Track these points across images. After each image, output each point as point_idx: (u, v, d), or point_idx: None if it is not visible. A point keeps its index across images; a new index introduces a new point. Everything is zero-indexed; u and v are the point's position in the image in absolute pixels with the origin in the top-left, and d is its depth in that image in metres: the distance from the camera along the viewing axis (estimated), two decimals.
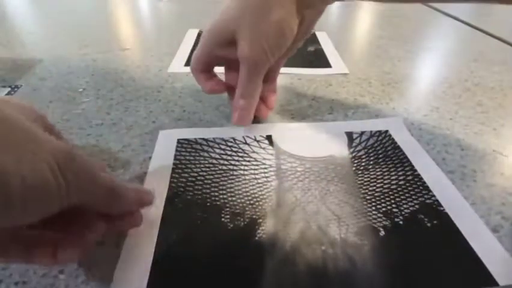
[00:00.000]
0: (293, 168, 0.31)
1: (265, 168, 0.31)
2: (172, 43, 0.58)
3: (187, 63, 0.51)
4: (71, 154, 0.17)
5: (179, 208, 0.26)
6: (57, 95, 0.42)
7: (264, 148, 0.33)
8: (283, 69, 0.50)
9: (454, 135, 0.36)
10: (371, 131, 0.36)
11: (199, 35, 0.62)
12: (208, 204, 0.27)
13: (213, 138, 0.34)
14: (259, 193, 0.28)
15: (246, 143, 0.34)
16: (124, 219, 0.22)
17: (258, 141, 0.34)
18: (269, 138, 0.34)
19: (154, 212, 0.26)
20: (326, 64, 0.52)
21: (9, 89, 0.42)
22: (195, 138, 0.34)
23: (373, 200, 0.28)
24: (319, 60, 0.54)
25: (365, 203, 0.27)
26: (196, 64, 0.34)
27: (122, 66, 0.50)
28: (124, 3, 0.84)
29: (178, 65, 0.50)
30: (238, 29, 0.30)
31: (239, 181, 0.29)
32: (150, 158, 0.32)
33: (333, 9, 0.86)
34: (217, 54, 0.33)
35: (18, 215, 0.15)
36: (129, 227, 0.23)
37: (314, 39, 0.62)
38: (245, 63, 0.31)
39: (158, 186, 0.28)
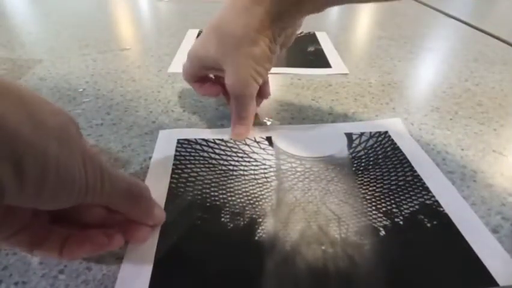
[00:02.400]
0: (293, 169, 0.31)
1: (265, 168, 0.31)
2: (172, 43, 0.58)
3: None
4: (96, 157, 0.18)
5: (180, 208, 0.26)
6: (57, 95, 0.42)
7: (263, 149, 0.33)
8: (283, 69, 0.50)
9: (454, 135, 0.36)
10: (370, 132, 0.36)
11: (199, 34, 0.62)
12: (208, 204, 0.27)
13: (213, 139, 0.34)
14: (259, 193, 0.28)
15: (245, 144, 0.34)
16: (136, 229, 0.23)
17: (257, 142, 0.34)
18: (269, 139, 0.34)
19: None
20: (326, 64, 0.52)
21: None
22: (195, 139, 0.34)
23: (373, 200, 0.28)
24: (319, 60, 0.54)
25: (365, 203, 0.27)
26: (185, 76, 0.36)
27: (122, 66, 0.50)
28: (124, 3, 0.84)
29: (178, 65, 0.50)
30: (222, 59, 0.30)
31: (239, 181, 0.29)
32: (150, 158, 0.32)
33: (333, 9, 0.86)
34: (204, 73, 0.34)
35: (43, 199, 0.16)
36: (136, 240, 0.23)
37: (314, 39, 0.62)
38: (234, 93, 0.32)
39: (158, 187, 0.28)
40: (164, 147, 0.33)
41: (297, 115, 0.39)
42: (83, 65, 0.50)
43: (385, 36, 0.66)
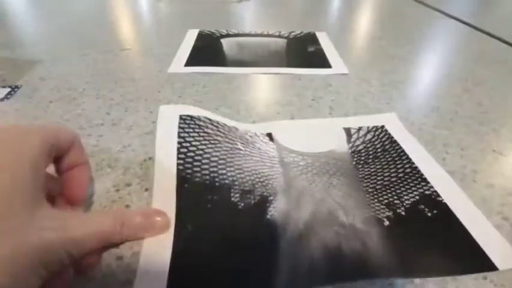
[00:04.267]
0: (295, 162, 0.31)
1: (269, 157, 0.31)
2: (172, 43, 0.58)
3: (187, 64, 0.51)
4: (53, 249, 0.18)
5: (190, 194, 0.26)
6: (57, 95, 0.42)
7: (265, 143, 0.33)
8: (283, 69, 0.50)
9: (454, 135, 0.36)
10: (368, 127, 0.36)
11: (199, 34, 0.62)
12: (217, 184, 0.27)
13: (217, 121, 0.33)
14: (268, 172, 0.28)
15: (247, 135, 0.34)
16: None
17: (258, 136, 0.34)
18: (269, 135, 0.35)
19: (169, 203, 0.25)
20: (326, 64, 0.52)
21: (9, 89, 0.42)
22: (198, 115, 0.33)
23: (375, 192, 0.28)
24: (319, 60, 0.54)
25: (367, 195, 0.28)
26: None
27: (122, 66, 0.50)
28: (124, 3, 0.84)
29: (178, 65, 0.50)
30: None
31: (246, 160, 0.29)
32: (150, 158, 0.31)
33: (333, 9, 0.86)
34: None
35: None
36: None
37: (314, 40, 0.62)
38: None
39: (167, 171, 0.28)
40: (167, 124, 0.32)
41: (297, 115, 0.39)
42: (83, 65, 0.50)
43: (385, 36, 0.65)
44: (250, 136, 0.33)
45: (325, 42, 0.61)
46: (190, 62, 0.51)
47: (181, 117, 0.33)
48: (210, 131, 0.31)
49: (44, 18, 0.72)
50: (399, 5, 0.89)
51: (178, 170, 0.28)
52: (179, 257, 0.22)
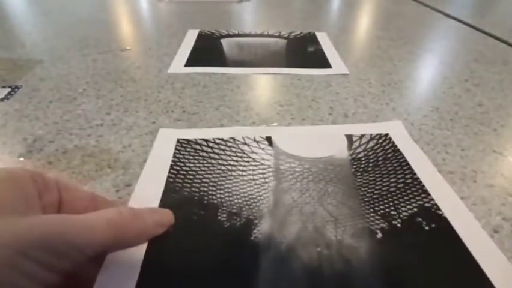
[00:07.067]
0: (292, 169, 0.31)
1: (264, 168, 0.31)
2: (172, 43, 0.58)
3: (187, 64, 0.51)
4: (60, 232, 0.16)
5: (176, 202, 0.26)
6: (57, 95, 0.42)
7: (263, 149, 0.33)
8: (283, 70, 0.50)
9: (454, 136, 0.36)
10: (371, 134, 0.36)
11: (199, 35, 0.62)
12: (205, 202, 0.27)
13: (213, 139, 0.34)
14: (257, 194, 0.28)
15: (245, 143, 0.34)
16: None
17: (257, 141, 0.34)
18: (268, 139, 0.34)
19: (149, 202, 0.26)
20: (326, 64, 0.52)
21: (9, 89, 0.42)
22: (195, 139, 0.34)
23: (371, 202, 0.28)
24: (319, 60, 0.54)
25: (362, 204, 0.27)
26: None
27: (122, 66, 0.50)
28: (124, 3, 0.84)
29: (178, 66, 0.50)
30: None
31: (237, 181, 0.29)
32: None
33: (333, 9, 0.86)
34: None
35: None
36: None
37: (314, 40, 0.62)
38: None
39: (155, 180, 0.28)
40: (164, 145, 0.33)
41: (297, 115, 0.39)
42: (83, 65, 0.50)
43: (385, 36, 0.66)
44: (248, 144, 0.33)
45: (325, 42, 0.61)
46: (190, 62, 0.51)
47: (178, 141, 0.34)
48: (204, 154, 0.32)
49: (44, 18, 0.72)
50: (399, 5, 0.89)
51: (167, 181, 0.28)
52: (152, 259, 0.22)
